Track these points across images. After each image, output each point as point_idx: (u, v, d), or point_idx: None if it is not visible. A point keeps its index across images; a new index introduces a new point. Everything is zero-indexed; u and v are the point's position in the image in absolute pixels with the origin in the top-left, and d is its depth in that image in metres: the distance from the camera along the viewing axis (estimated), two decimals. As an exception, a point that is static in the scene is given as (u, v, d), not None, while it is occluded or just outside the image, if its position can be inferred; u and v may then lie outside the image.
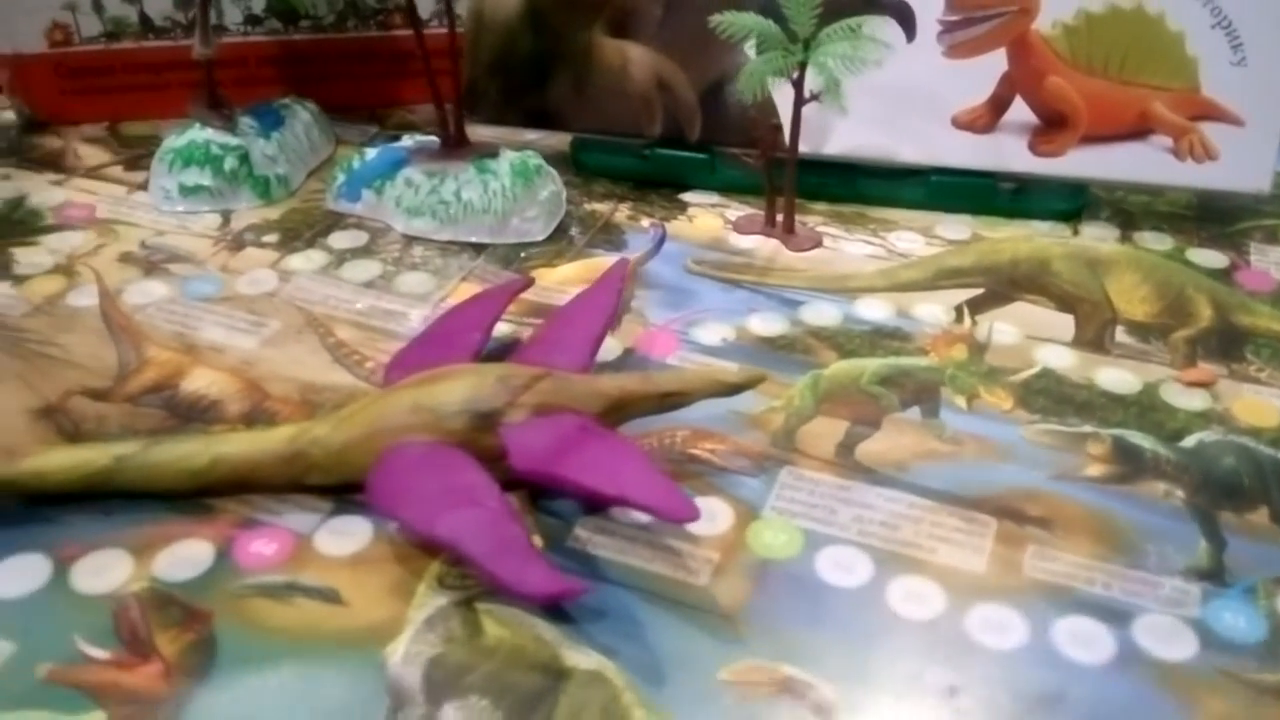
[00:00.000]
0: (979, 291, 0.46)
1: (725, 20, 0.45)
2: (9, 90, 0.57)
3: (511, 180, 0.49)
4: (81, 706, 0.28)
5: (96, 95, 0.58)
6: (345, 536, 0.33)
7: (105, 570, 0.31)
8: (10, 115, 0.59)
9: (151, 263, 0.46)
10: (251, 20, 0.58)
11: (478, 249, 0.48)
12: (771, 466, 0.36)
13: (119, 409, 0.38)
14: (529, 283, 0.42)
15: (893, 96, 0.49)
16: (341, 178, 0.51)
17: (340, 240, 0.49)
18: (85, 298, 0.44)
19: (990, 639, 0.30)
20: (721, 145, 0.53)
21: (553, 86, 0.54)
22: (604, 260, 0.47)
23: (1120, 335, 0.44)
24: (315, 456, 0.33)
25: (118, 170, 0.54)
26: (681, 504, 0.30)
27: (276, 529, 0.33)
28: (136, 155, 0.55)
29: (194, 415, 0.38)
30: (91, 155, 0.55)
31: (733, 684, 0.29)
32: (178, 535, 0.33)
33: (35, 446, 0.34)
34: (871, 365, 0.41)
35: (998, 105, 0.50)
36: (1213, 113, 0.49)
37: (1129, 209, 0.53)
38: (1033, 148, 0.50)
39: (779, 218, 0.50)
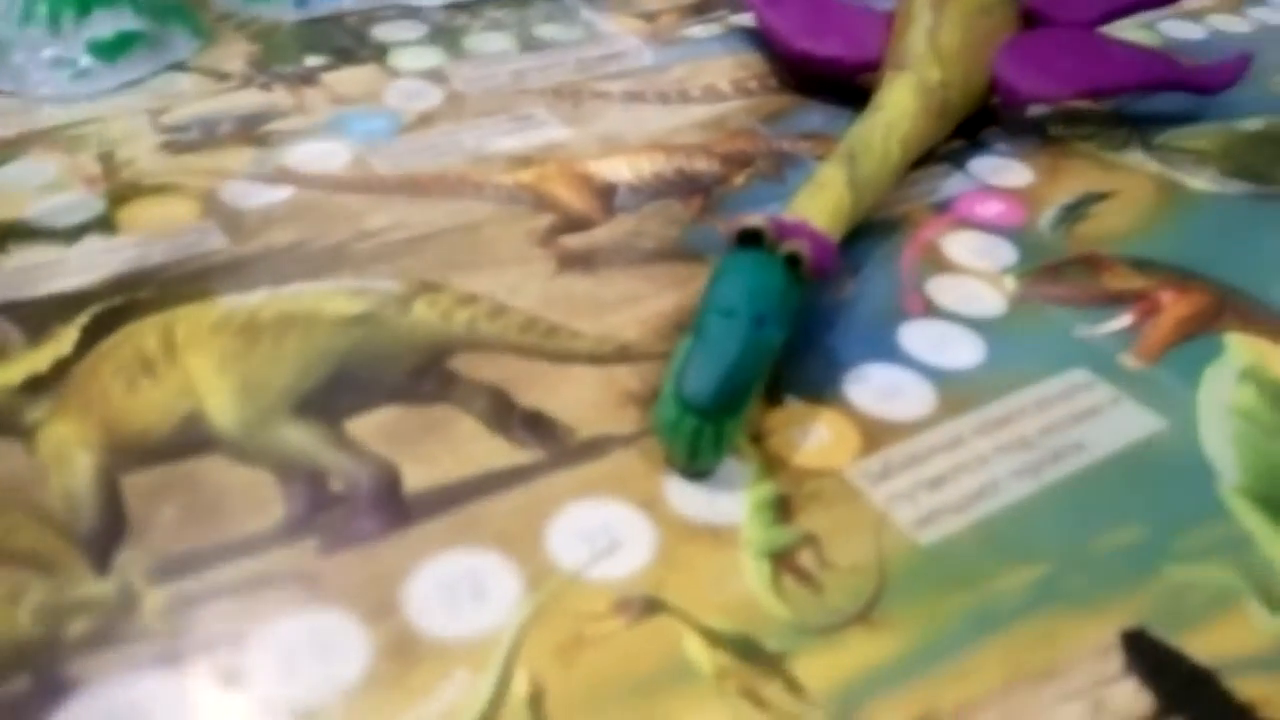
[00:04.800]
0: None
1: None
2: None
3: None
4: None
5: None
6: (1009, 172, 0.28)
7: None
8: None
9: (250, 135, 0.29)
10: None
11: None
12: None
13: (624, 221, 0.26)
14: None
15: None
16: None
17: (399, 32, 0.34)
18: (278, 193, 0.26)
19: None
20: None
21: None
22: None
23: None
24: (952, 97, 0.27)
25: None
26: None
27: (965, 197, 0.27)
28: None
29: (697, 188, 0.27)
30: None
31: None
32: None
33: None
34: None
35: None
36: None
37: None
38: None
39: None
